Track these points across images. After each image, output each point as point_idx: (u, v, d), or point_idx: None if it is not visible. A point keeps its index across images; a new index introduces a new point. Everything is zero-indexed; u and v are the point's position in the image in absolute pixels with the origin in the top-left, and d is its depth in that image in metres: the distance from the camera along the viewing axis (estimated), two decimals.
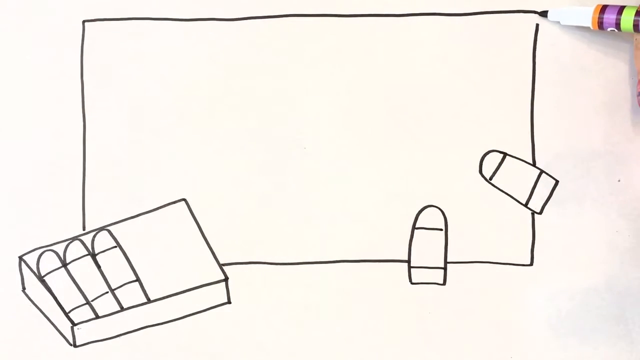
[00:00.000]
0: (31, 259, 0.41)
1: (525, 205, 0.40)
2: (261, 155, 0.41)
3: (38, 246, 0.41)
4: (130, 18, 0.41)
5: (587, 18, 0.38)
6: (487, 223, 0.40)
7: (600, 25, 0.37)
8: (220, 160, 0.41)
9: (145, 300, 0.41)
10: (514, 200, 0.40)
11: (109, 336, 0.41)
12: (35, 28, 0.41)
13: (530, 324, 0.39)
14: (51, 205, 0.41)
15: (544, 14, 0.39)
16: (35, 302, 0.41)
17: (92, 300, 0.41)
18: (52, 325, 0.41)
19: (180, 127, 0.41)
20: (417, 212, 0.40)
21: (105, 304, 0.41)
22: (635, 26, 0.36)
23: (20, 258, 0.41)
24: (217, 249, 0.41)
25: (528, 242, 0.40)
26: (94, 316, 0.41)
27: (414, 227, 0.40)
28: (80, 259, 0.41)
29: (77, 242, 0.41)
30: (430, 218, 0.40)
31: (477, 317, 0.40)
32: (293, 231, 0.40)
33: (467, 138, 0.40)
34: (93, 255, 0.41)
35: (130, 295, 0.41)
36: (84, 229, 0.41)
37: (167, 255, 0.41)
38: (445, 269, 0.40)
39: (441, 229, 0.40)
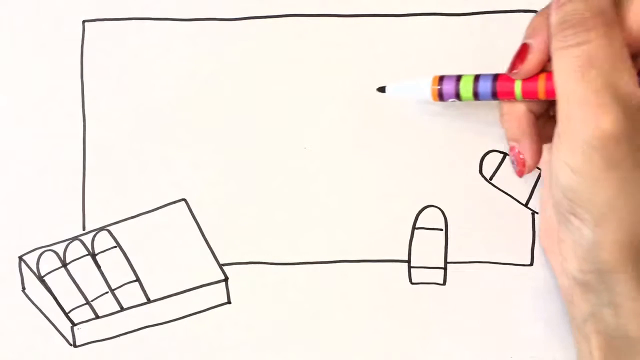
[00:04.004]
0: (31, 259, 0.41)
1: (525, 205, 0.40)
2: (261, 155, 0.41)
3: (38, 246, 0.41)
4: (130, 18, 0.41)
5: (426, 91, 0.36)
6: (487, 223, 0.40)
7: (441, 97, 0.35)
8: (220, 160, 0.41)
9: (145, 300, 0.41)
10: (514, 200, 0.40)
11: (109, 336, 0.41)
12: (35, 28, 0.41)
13: (531, 323, 0.39)
14: (51, 205, 0.41)
15: (382, 89, 0.38)
16: (35, 302, 0.41)
17: (92, 300, 0.41)
18: (52, 325, 0.41)
19: (180, 127, 0.41)
20: (417, 212, 0.40)
21: (105, 304, 0.41)
22: (474, 95, 0.34)
23: (20, 258, 0.41)
24: (217, 249, 0.41)
25: (528, 242, 0.40)
26: (94, 316, 0.41)
27: (414, 227, 0.40)
28: (80, 259, 0.41)
29: (77, 242, 0.41)
30: (430, 218, 0.40)
31: (477, 317, 0.40)
32: (293, 231, 0.40)
33: (467, 138, 0.40)
34: (93, 255, 0.41)
35: (130, 295, 0.41)
36: (84, 229, 0.41)
37: (167, 255, 0.41)
38: (445, 269, 0.40)
39: (441, 229, 0.40)
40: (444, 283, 0.40)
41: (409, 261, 0.40)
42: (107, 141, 0.41)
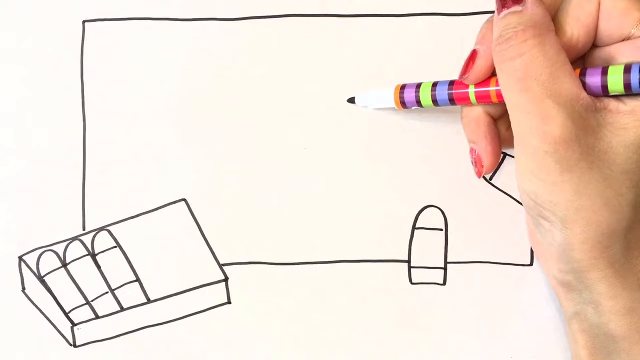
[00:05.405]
0: (31, 259, 0.41)
1: None
2: (261, 155, 0.41)
3: (38, 246, 0.41)
4: (130, 18, 0.41)
5: (390, 100, 0.38)
6: (487, 223, 0.40)
7: (403, 104, 0.37)
8: (220, 160, 0.41)
9: (145, 300, 0.41)
10: (514, 200, 0.40)
11: (109, 336, 0.41)
12: (35, 28, 0.41)
13: (531, 323, 0.39)
14: (51, 205, 0.41)
15: (352, 100, 0.40)
16: (35, 302, 0.41)
17: (92, 300, 0.41)
18: (52, 325, 0.41)
19: (180, 127, 0.41)
20: (417, 212, 0.40)
21: (105, 304, 0.41)
22: (433, 101, 0.36)
23: (20, 258, 0.41)
24: (217, 249, 0.41)
25: (528, 242, 0.40)
26: (94, 316, 0.41)
27: (414, 227, 0.40)
28: (80, 259, 0.41)
29: (77, 242, 0.41)
30: (430, 218, 0.40)
31: (477, 317, 0.40)
32: (293, 231, 0.40)
33: None
34: (93, 255, 0.41)
35: (130, 295, 0.41)
36: (84, 229, 0.41)
37: (167, 255, 0.41)
38: (445, 269, 0.40)
39: (441, 229, 0.40)
40: (444, 283, 0.40)
41: (409, 261, 0.40)
42: (107, 141, 0.41)
